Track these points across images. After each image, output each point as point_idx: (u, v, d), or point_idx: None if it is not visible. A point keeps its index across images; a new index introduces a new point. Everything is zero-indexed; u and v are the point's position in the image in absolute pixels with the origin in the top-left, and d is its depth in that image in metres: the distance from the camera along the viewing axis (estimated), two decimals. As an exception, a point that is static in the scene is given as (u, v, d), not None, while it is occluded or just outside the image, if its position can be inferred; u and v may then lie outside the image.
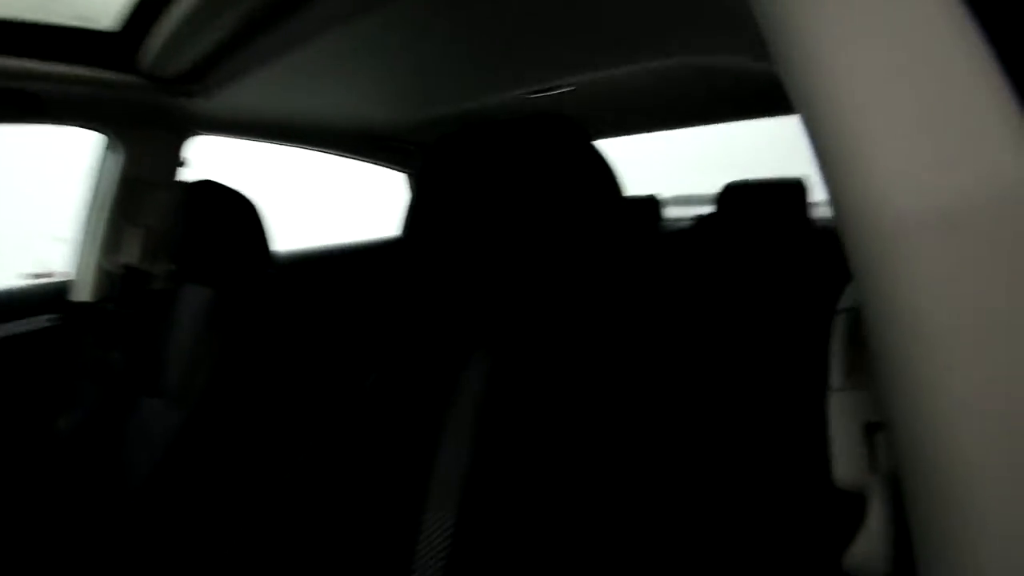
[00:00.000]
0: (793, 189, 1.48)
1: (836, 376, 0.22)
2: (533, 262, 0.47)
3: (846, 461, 0.21)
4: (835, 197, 0.18)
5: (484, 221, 0.49)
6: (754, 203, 1.53)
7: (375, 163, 1.81)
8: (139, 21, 0.96)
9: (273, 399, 1.10)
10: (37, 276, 2.67)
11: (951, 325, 0.15)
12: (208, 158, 1.45)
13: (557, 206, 0.46)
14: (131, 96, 1.14)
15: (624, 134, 1.82)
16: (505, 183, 0.48)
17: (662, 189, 2.07)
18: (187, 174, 1.37)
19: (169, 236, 1.13)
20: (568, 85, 1.24)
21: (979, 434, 0.14)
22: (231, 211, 1.14)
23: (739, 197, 1.55)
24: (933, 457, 0.15)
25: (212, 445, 0.98)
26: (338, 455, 0.54)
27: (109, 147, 1.26)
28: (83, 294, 1.28)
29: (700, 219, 1.72)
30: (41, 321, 1.23)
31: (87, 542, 0.98)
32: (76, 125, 1.21)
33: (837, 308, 0.23)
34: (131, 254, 1.24)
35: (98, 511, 1.01)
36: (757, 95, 1.33)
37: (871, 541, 0.18)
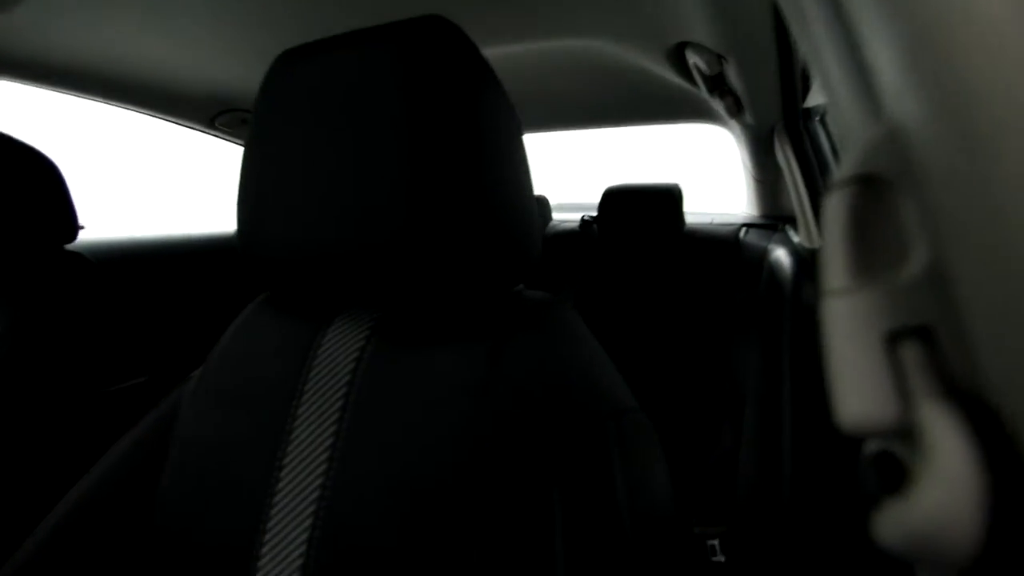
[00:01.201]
0: (668, 194, 1.56)
1: (835, 274, 0.16)
2: (414, 200, 0.36)
3: (862, 390, 0.15)
4: None
5: (343, 142, 0.37)
6: (632, 206, 1.58)
7: (231, 140, 1.55)
8: None
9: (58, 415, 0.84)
10: None
11: None
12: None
13: (449, 127, 0.36)
14: None
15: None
16: (376, 92, 0.37)
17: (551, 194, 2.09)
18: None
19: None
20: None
21: None
22: (13, 169, 0.87)
23: (619, 201, 1.60)
24: None
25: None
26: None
27: None
28: None
29: (583, 220, 1.76)
30: None
31: None
32: None
33: (831, 183, 0.16)
34: None
35: None
36: (654, 100, 1.38)
37: (948, 499, 0.12)
